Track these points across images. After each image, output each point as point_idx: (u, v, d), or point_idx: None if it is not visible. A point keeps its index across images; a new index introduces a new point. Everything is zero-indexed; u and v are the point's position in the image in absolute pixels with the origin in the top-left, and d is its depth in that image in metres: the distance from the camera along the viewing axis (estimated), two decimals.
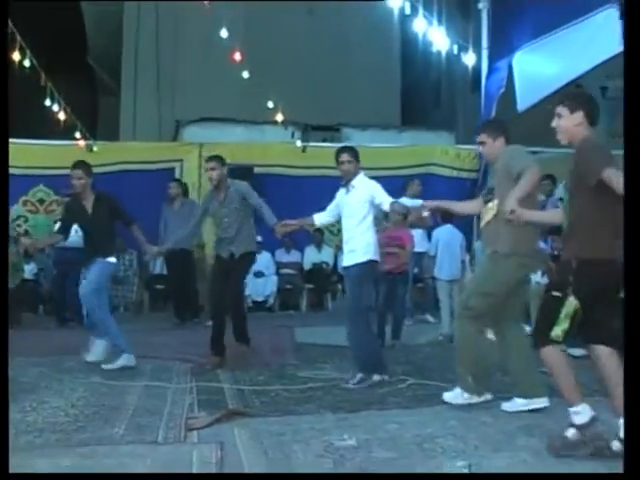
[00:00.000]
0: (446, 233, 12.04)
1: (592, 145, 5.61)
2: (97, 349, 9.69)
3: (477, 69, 15.32)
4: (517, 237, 6.84)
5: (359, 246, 8.48)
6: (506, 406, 6.98)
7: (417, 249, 12.76)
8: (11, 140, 16.81)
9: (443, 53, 14.26)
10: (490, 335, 8.22)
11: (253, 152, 16.78)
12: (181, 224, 13.31)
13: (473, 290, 7.24)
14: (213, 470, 5.22)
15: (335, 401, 7.52)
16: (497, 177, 7.19)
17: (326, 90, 22.67)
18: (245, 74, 16.28)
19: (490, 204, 7.13)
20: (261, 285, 16.09)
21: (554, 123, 5.87)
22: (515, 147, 7.21)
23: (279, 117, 16.79)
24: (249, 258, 9.86)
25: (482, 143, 7.20)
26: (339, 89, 22.97)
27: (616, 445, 5.27)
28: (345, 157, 8.65)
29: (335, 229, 15.82)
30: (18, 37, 14.34)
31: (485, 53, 15.12)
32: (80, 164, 9.88)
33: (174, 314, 14.52)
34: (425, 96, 28.36)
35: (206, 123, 19.28)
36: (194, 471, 5.24)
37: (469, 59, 14.72)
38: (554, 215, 6.45)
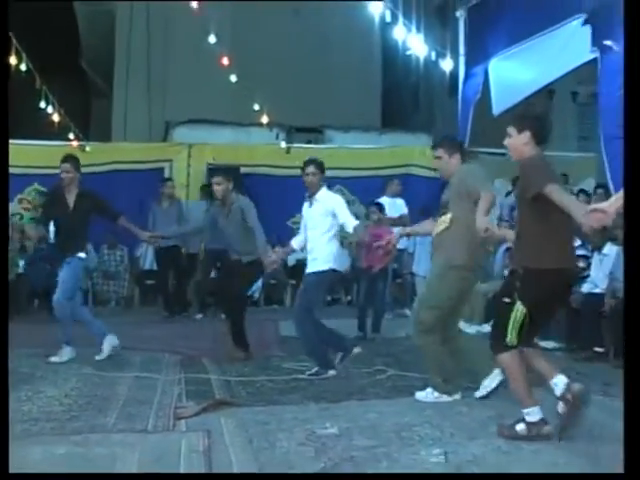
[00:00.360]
0: None
1: (534, 163, 5.82)
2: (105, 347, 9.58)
3: (454, 75, 15.38)
4: (467, 250, 7.01)
5: (321, 255, 8.64)
6: (420, 395, 7.21)
7: (400, 246, 12.84)
8: (12, 141, 16.96)
9: (422, 59, 14.31)
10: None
11: (239, 153, 16.79)
12: (169, 223, 13.37)
13: (422, 304, 7.33)
14: (201, 457, 5.24)
15: (318, 391, 7.57)
16: (451, 192, 7.26)
17: (310, 94, 22.67)
18: (233, 78, 16.29)
19: (443, 217, 7.25)
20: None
21: (505, 141, 6.07)
22: (471, 166, 7.46)
23: (264, 119, 16.79)
24: (256, 266, 9.58)
25: (438, 158, 7.23)
26: (322, 93, 22.97)
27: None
28: (310, 169, 8.80)
29: None
30: (14, 41, 14.31)
31: (462, 59, 15.18)
32: (69, 158, 9.83)
33: (163, 308, 14.54)
34: (404, 100, 28.39)
35: (195, 124, 19.25)
36: (182, 458, 5.26)
37: (447, 65, 14.78)
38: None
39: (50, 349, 9.47)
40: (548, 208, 5.52)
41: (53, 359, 9.24)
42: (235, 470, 5.01)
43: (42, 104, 16.66)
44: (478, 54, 14.52)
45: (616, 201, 4.94)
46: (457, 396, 7.20)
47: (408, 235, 8.97)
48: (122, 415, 6.61)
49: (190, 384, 7.92)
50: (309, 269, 8.78)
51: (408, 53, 13.92)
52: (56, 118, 17.23)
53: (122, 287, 16.56)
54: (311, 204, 8.83)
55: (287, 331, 10.32)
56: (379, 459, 5.22)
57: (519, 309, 5.66)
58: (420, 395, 7.23)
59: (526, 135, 5.92)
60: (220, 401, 7.03)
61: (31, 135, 17.68)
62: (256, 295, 16.34)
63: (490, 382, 7.12)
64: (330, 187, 9.18)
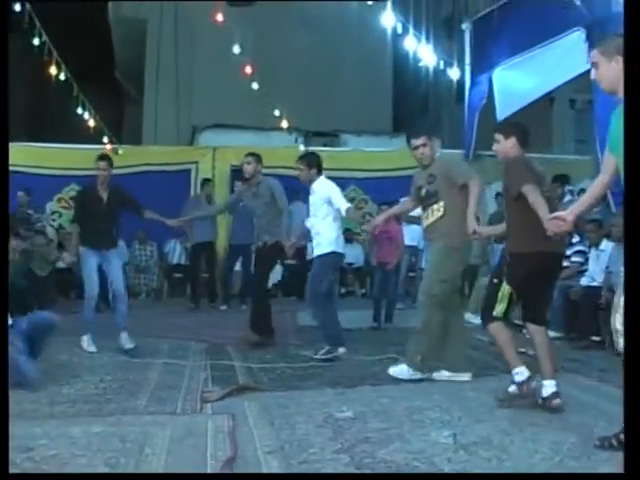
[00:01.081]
0: None
1: (517, 165, 6.24)
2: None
3: (461, 82, 15.42)
4: (463, 234, 7.07)
5: (324, 240, 8.71)
6: (395, 371, 7.34)
7: (413, 243, 12.89)
8: (49, 145, 17.05)
9: (430, 68, 14.34)
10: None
11: (261, 155, 16.76)
12: (207, 221, 13.45)
13: (434, 279, 7.29)
14: (226, 438, 5.24)
15: (334, 377, 7.54)
16: (439, 183, 7.32)
17: (326, 100, 22.68)
18: (255, 85, 16.32)
19: (436, 206, 7.33)
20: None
21: (494, 147, 6.54)
22: (450, 157, 7.95)
23: (284, 124, 16.83)
24: (277, 249, 9.57)
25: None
26: (337, 100, 22.97)
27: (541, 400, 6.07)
28: (299, 165, 9.01)
29: None
30: (55, 53, 14.37)
31: (468, 69, 15.19)
32: (105, 157, 9.83)
33: (190, 299, 14.53)
34: (414, 106, 28.37)
35: (219, 129, 19.30)
36: (208, 438, 5.25)
37: (453, 73, 14.83)
38: (502, 227, 6.75)
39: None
40: (527, 203, 5.94)
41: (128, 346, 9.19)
42: (258, 449, 5.00)
43: (79, 110, 16.78)
44: (483, 63, 14.55)
45: (577, 208, 5.29)
46: (429, 374, 7.29)
47: (389, 219, 8.95)
48: (153, 398, 6.63)
49: (215, 370, 7.92)
50: (315, 252, 8.89)
51: (420, 64, 13.94)
52: (92, 123, 17.38)
53: (152, 280, 16.61)
54: (310, 193, 8.97)
55: (305, 321, 10.31)
56: (392, 440, 5.20)
57: (505, 288, 6.14)
58: (394, 371, 7.32)
59: (512, 140, 6.39)
60: (243, 386, 7.03)
61: (69, 139, 17.73)
62: (275, 288, 16.37)
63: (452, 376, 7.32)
64: (344, 187, 9.22)
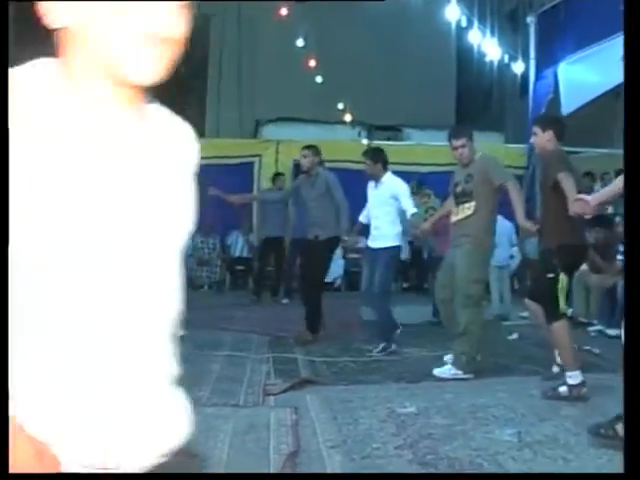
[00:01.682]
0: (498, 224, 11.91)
1: (554, 156, 6.47)
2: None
3: (525, 76, 15.25)
4: (491, 234, 7.50)
5: (386, 233, 8.79)
6: (439, 371, 7.32)
7: None
8: None
9: (495, 61, 14.20)
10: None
11: (324, 149, 16.69)
12: (279, 212, 13.50)
13: (468, 280, 7.34)
14: (289, 431, 5.23)
15: (397, 372, 7.51)
16: (475, 182, 7.38)
17: (389, 93, 22.53)
18: (318, 79, 16.33)
19: (467, 204, 7.43)
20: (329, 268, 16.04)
21: (531, 139, 6.93)
22: (489, 156, 7.88)
23: (348, 118, 16.80)
24: (334, 242, 9.60)
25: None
26: (401, 93, 22.83)
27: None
28: (366, 159, 9.11)
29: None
30: None
31: (532, 62, 15.03)
32: None
33: (253, 292, 14.57)
34: (477, 100, 28.11)
35: (282, 122, 19.29)
36: (271, 431, 5.26)
37: (518, 67, 14.67)
38: None
39: None
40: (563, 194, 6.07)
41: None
42: (321, 443, 5.00)
43: None
44: (548, 57, 14.40)
45: (601, 195, 5.54)
46: (471, 375, 7.23)
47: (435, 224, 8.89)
48: (215, 390, 6.65)
49: (277, 363, 7.94)
50: (375, 245, 8.90)
51: (484, 58, 13.83)
52: None
53: (214, 273, 16.67)
54: (376, 186, 8.97)
55: (368, 315, 10.24)
56: (455, 437, 5.17)
57: (564, 280, 6.28)
58: (439, 371, 7.32)
59: (549, 134, 6.60)
60: (306, 379, 7.04)
61: None
62: (338, 282, 16.36)
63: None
64: (407, 181, 9.22)
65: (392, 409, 5.91)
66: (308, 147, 9.82)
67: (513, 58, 14.79)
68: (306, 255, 10.06)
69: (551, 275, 6.33)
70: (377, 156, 9.08)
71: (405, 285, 16.61)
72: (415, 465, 4.57)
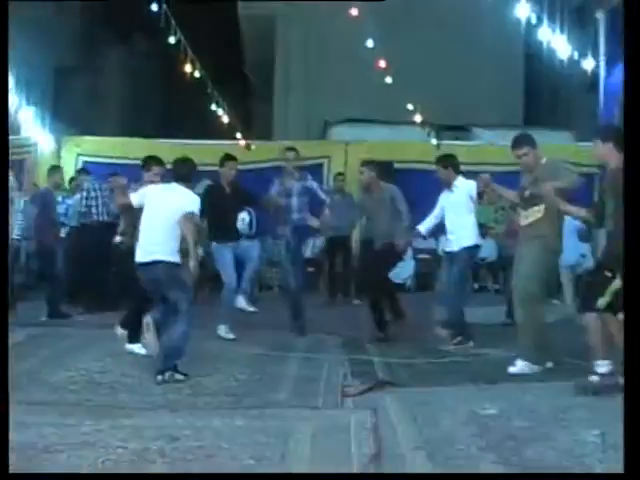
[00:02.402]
0: (567, 225, 11.74)
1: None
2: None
3: (595, 73, 15.02)
4: (559, 236, 7.79)
5: (465, 234, 9.17)
6: (514, 370, 7.44)
7: None
8: (183, 141, 17.42)
9: (564, 58, 14.02)
10: None
11: (393, 150, 16.69)
12: (341, 213, 13.54)
13: (531, 277, 7.57)
14: (370, 434, 5.21)
15: (474, 373, 7.43)
16: (541, 187, 7.40)
17: (458, 94, 22.40)
18: (388, 79, 16.29)
19: (536, 208, 7.62)
20: (400, 269, 15.97)
21: (592, 151, 7.05)
22: (556, 160, 8.17)
23: (417, 118, 16.71)
24: (394, 247, 9.72)
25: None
26: (469, 92, 22.69)
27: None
28: (438, 165, 9.52)
29: None
30: (189, 51, 14.66)
31: (603, 59, 14.82)
32: (233, 157, 10.40)
33: (328, 294, 14.51)
34: (546, 98, 27.78)
35: (351, 124, 19.28)
36: (352, 434, 5.23)
37: (588, 64, 14.44)
38: None
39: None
40: None
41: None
42: (402, 445, 4.96)
43: (213, 107, 17.06)
44: (619, 53, 14.15)
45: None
46: (549, 364, 7.48)
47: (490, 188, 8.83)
48: (293, 392, 6.68)
49: (354, 365, 7.90)
50: (453, 248, 9.25)
51: (553, 55, 13.67)
52: (225, 119, 17.61)
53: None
54: (450, 191, 9.35)
55: (441, 315, 10.14)
56: (538, 439, 5.09)
57: (617, 283, 6.20)
58: (514, 370, 7.40)
59: (608, 146, 6.67)
60: (384, 381, 7.00)
61: (203, 135, 18.06)
62: (408, 282, 16.30)
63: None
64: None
65: (472, 411, 5.85)
66: (365, 163, 10.05)
67: (582, 55, 14.58)
68: (373, 259, 10.20)
69: (608, 274, 6.37)
70: (447, 161, 9.45)
71: (477, 286, 16.50)
72: (500, 466, 4.51)
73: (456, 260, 9.15)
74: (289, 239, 10.44)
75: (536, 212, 7.64)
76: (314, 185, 10.64)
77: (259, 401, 6.33)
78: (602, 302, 6.32)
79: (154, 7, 13.48)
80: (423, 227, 9.73)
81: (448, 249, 9.47)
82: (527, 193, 7.75)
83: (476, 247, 9.37)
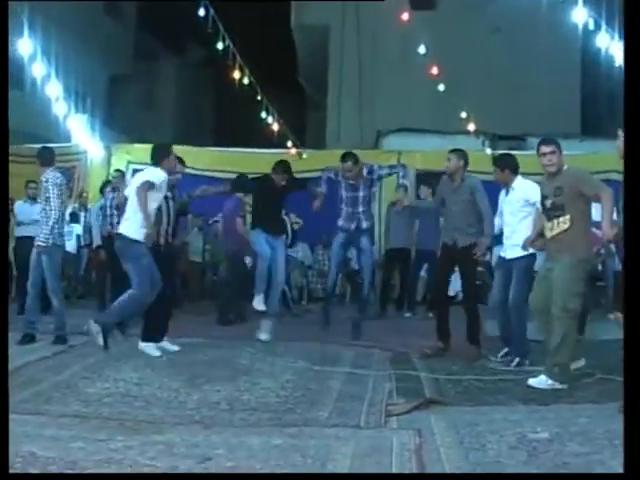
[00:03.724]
0: None
1: None
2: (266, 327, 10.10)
3: None
4: (589, 245, 7.60)
5: (521, 241, 8.45)
6: (534, 382, 7.29)
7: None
8: (233, 149, 17.31)
9: (622, 66, 13.60)
10: None
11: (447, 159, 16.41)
12: (403, 223, 13.30)
13: (568, 293, 7.30)
14: (412, 456, 4.93)
15: (525, 393, 7.06)
16: (565, 195, 7.36)
17: (512, 102, 22.06)
18: (441, 87, 16.01)
19: (562, 218, 7.39)
20: (452, 281, 15.63)
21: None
22: (579, 168, 7.96)
23: (471, 127, 16.41)
24: (472, 250, 9.15)
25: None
26: (524, 101, 22.32)
27: None
28: (495, 166, 8.94)
29: None
30: (238, 57, 14.52)
31: None
32: (287, 165, 10.52)
33: (380, 306, 14.23)
34: (603, 107, 27.29)
35: (404, 133, 19.05)
36: (393, 456, 4.96)
37: None
38: None
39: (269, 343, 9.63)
40: None
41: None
42: (447, 470, 4.67)
43: (263, 115, 16.93)
44: None
45: None
46: (565, 385, 7.22)
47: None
48: (335, 409, 6.39)
49: (400, 381, 7.60)
50: (509, 255, 8.70)
51: (611, 62, 13.28)
52: (275, 127, 17.47)
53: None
54: (507, 192, 8.80)
55: (491, 331, 9.81)
56: (593, 467, 4.76)
57: None
58: (534, 382, 7.28)
59: None
60: (430, 399, 6.69)
61: (253, 143, 17.95)
62: (460, 295, 15.94)
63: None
64: None
65: (523, 434, 5.52)
66: (453, 151, 9.58)
67: None
68: (446, 261, 9.60)
69: None
70: (505, 162, 8.90)
71: None
72: None
73: (510, 270, 8.66)
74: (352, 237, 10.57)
75: (561, 223, 7.41)
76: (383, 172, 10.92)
77: (299, 419, 6.08)
78: None
79: (204, 15, 13.38)
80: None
81: (502, 254, 8.92)
82: (549, 203, 7.52)
83: (532, 257, 8.62)
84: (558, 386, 7.16)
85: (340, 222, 10.52)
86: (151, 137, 22.77)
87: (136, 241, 8.46)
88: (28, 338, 9.42)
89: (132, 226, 8.53)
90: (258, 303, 10.16)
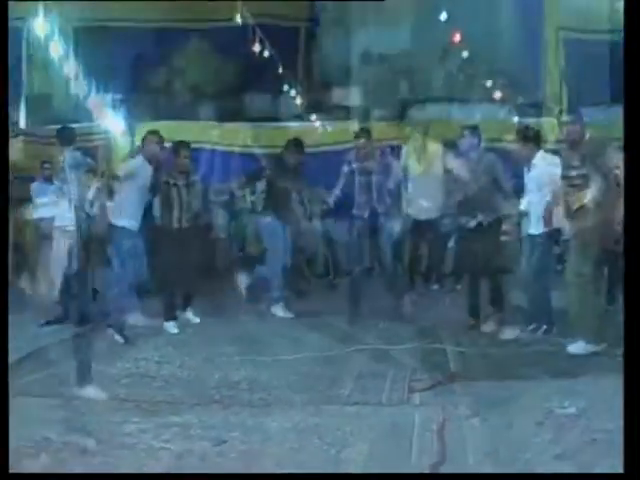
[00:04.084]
0: None
1: None
2: None
3: None
4: (609, 217, 7.21)
5: (546, 214, 8.26)
6: (574, 348, 7.27)
7: None
8: (262, 124, 17.16)
9: None
10: None
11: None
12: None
13: (583, 259, 7.36)
14: (434, 434, 4.78)
15: (554, 366, 6.80)
16: (588, 166, 7.28)
17: (540, 69, 21.66)
18: (464, 54, 15.76)
19: (585, 190, 7.27)
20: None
21: None
22: (600, 137, 8.20)
23: (497, 95, 16.13)
24: (497, 224, 8.99)
25: None
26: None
27: None
28: (516, 139, 8.68)
29: None
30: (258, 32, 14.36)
31: None
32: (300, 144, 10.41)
33: (409, 278, 13.98)
34: None
35: (430, 103, 18.79)
36: (415, 433, 4.85)
37: None
38: None
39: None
40: None
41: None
42: (469, 450, 4.50)
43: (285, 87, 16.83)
44: None
45: None
46: (604, 345, 7.18)
47: None
48: (357, 387, 6.24)
49: (425, 354, 7.42)
50: (536, 230, 8.41)
51: None
52: (299, 101, 17.36)
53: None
54: (529, 168, 8.45)
55: (518, 300, 9.50)
56: (619, 444, 4.52)
57: None
58: (573, 348, 7.26)
59: None
60: (455, 374, 6.51)
61: (278, 117, 17.89)
62: None
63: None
64: None
65: (549, 409, 5.32)
66: (467, 127, 9.36)
67: None
68: (471, 242, 9.36)
69: None
70: (527, 135, 8.56)
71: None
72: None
73: (535, 245, 8.46)
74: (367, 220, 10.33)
75: (585, 194, 7.29)
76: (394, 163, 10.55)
77: (320, 397, 5.94)
78: None
79: None
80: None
81: (527, 229, 8.74)
82: (573, 173, 7.40)
83: (556, 231, 8.42)
84: (594, 349, 7.17)
85: (354, 210, 10.26)
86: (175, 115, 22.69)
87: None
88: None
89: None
90: (280, 310, 9.85)
